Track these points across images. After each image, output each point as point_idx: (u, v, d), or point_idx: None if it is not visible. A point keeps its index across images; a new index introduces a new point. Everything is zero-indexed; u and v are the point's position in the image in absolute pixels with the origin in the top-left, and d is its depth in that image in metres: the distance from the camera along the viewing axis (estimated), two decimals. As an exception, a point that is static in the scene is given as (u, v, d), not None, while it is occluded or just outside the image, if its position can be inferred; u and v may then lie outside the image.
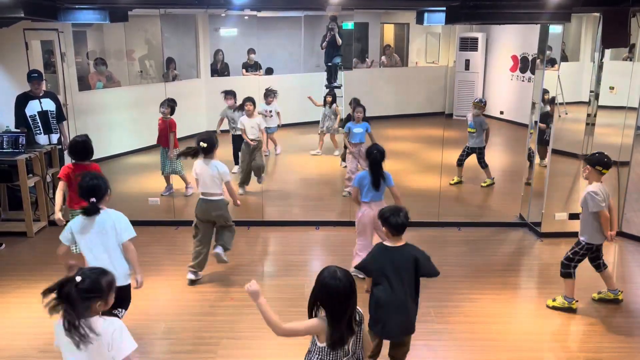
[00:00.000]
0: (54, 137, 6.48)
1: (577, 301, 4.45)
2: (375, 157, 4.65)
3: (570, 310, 4.43)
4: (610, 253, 5.71)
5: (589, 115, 6.07)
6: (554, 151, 6.04)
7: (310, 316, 2.62)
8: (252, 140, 6.95)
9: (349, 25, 10.97)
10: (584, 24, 7.76)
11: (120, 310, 3.65)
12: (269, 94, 8.26)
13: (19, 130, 6.11)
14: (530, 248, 5.82)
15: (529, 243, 5.92)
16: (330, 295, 2.52)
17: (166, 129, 6.89)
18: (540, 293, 4.86)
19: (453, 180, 7.65)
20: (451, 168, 7.63)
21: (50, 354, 3.82)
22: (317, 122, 10.38)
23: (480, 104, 7.62)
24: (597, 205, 4.26)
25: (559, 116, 6.60)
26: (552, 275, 5.17)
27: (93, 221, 3.52)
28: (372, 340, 3.36)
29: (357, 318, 2.63)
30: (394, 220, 3.36)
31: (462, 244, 5.83)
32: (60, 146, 6.52)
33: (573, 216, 6.00)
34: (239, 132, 7.15)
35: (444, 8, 5.86)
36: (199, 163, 4.78)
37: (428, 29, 13.04)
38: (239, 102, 7.46)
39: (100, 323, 2.47)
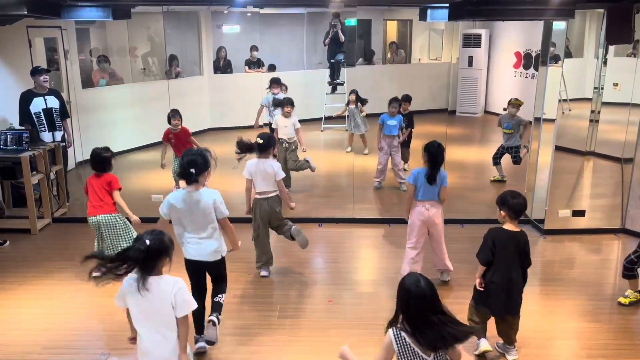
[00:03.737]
0: (58, 135, 6.49)
1: None
2: (435, 152, 4.55)
3: None
4: (614, 250, 5.70)
5: (592, 111, 6.07)
6: (558, 148, 6.02)
7: (394, 322, 2.58)
8: (285, 140, 6.89)
9: (351, 22, 10.96)
10: (587, 20, 7.72)
11: (220, 295, 3.78)
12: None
13: (22, 128, 6.13)
14: (534, 245, 5.77)
15: (532, 240, 5.83)
16: (411, 301, 2.51)
17: (183, 138, 6.78)
18: (543, 290, 4.86)
19: (493, 177, 7.64)
20: (454, 165, 7.62)
21: (53, 350, 3.84)
22: (320, 119, 10.42)
23: (517, 101, 7.42)
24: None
25: (563, 113, 6.58)
26: (556, 272, 5.17)
27: (192, 198, 3.56)
28: (476, 318, 3.72)
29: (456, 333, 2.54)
30: (513, 202, 3.64)
31: (465, 241, 5.82)
32: (64, 143, 6.54)
33: (576, 213, 5.99)
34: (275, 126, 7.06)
35: (447, 4, 5.85)
36: (252, 163, 4.75)
37: (431, 25, 13.00)
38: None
39: (165, 281, 2.77)
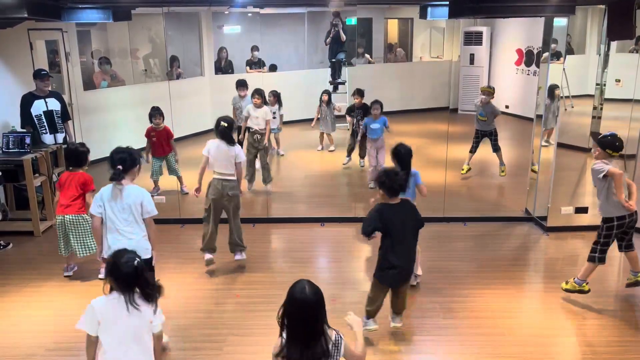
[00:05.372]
0: (60, 137, 6.51)
1: (587, 283, 4.39)
2: (403, 156, 4.56)
3: (581, 292, 4.39)
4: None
5: (595, 108, 6.04)
6: (560, 145, 6.00)
7: (281, 329, 2.54)
8: (256, 130, 6.91)
9: (352, 20, 10.95)
10: (589, 16, 7.70)
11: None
12: (270, 95, 8.13)
13: (24, 130, 6.14)
14: (537, 242, 5.79)
15: (535, 237, 5.89)
16: (295, 309, 2.45)
17: (164, 138, 6.92)
18: (546, 288, 4.85)
19: (463, 170, 7.62)
20: (456, 163, 7.60)
21: (57, 352, 3.85)
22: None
23: (489, 89, 7.57)
24: (600, 170, 4.21)
25: (565, 109, 6.56)
26: (559, 269, 5.15)
27: (120, 194, 3.69)
28: (376, 293, 3.85)
29: (334, 338, 2.48)
30: (390, 183, 3.71)
31: (467, 239, 5.82)
32: (65, 145, 6.55)
33: (579, 210, 5.97)
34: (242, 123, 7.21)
35: (447, 2, 5.83)
36: (214, 143, 4.85)
37: (432, 23, 12.98)
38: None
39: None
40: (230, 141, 4.81)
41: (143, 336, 2.83)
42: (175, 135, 7.16)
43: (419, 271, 4.78)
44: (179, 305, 4.48)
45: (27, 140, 5.96)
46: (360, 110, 7.82)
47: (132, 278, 2.75)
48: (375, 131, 7.14)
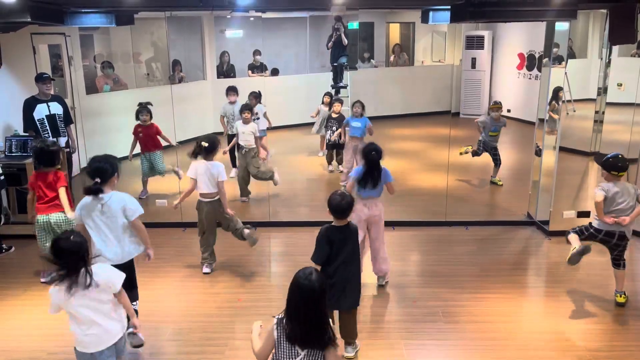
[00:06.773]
0: (62, 141, 6.51)
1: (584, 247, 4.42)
2: (372, 157, 4.49)
3: (585, 251, 4.39)
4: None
5: (597, 112, 6.04)
6: (562, 148, 6.00)
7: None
8: (245, 146, 6.85)
9: (354, 25, 10.97)
10: (591, 20, 7.71)
11: (134, 303, 3.87)
12: (250, 97, 7.88)
13: (27, 134, 6.16)
14: (538, 247, 5.78)
15: (537, 242, 5.88)
16: (299, 293, 2.50)
17: (152, 134, 6.96)
18: (548, 292, 4.84)
19: (461, 150, 7.62)
20: (458, 167, 7.59)
21: (59, 356, 3.85)
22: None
23: (498, 105, 7.56)
24: (595, 194, 4.40)
25: (567, 114, 6.56)
26: (561, 273, 5.14)
27: (98, 203, 3.64)
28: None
29: (331, 334, 2.53)
30: (336, 205, 3.62)
31: (469, 243, 5.81)
32: (68, 149, 6.56)
33: (581, 214, 5.96)
34: (235, 132, 7.17)
35: (449, 6, 5.84)
36: (199, 164, 4.89)
37: (434, 27, 13.00)
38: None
39: (95, 270, 2.99)
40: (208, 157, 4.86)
41: (102, 307, 2.99)
42: (177, 139, 7.17)
43: (387, 266, 4.85)
44: (181, 309, 4.49)
45: (30, 144, 5.97)
46: (335, 121, 7.86)
47: (74, 254, 2.87)
48: (356, 130, 7.08)
